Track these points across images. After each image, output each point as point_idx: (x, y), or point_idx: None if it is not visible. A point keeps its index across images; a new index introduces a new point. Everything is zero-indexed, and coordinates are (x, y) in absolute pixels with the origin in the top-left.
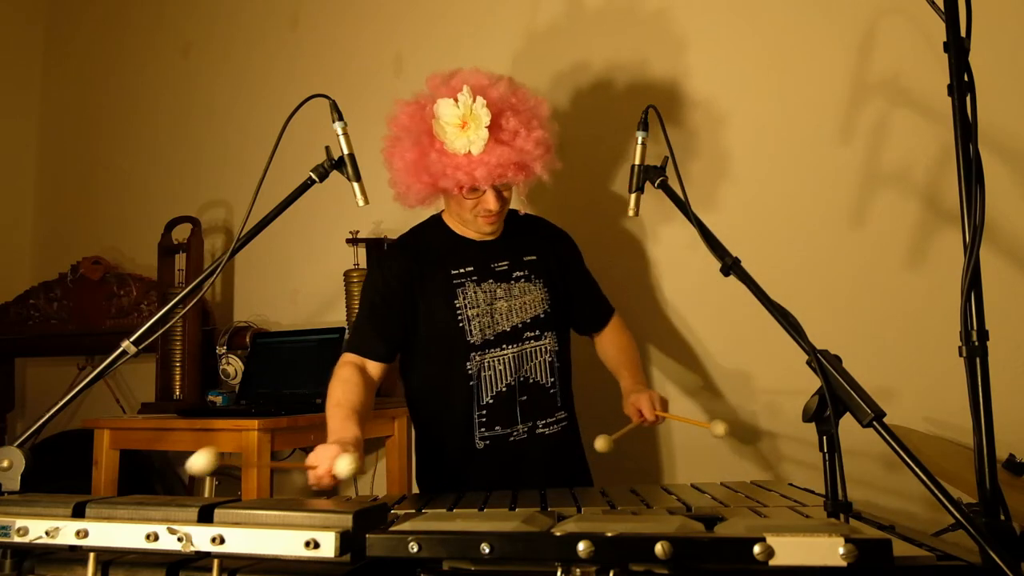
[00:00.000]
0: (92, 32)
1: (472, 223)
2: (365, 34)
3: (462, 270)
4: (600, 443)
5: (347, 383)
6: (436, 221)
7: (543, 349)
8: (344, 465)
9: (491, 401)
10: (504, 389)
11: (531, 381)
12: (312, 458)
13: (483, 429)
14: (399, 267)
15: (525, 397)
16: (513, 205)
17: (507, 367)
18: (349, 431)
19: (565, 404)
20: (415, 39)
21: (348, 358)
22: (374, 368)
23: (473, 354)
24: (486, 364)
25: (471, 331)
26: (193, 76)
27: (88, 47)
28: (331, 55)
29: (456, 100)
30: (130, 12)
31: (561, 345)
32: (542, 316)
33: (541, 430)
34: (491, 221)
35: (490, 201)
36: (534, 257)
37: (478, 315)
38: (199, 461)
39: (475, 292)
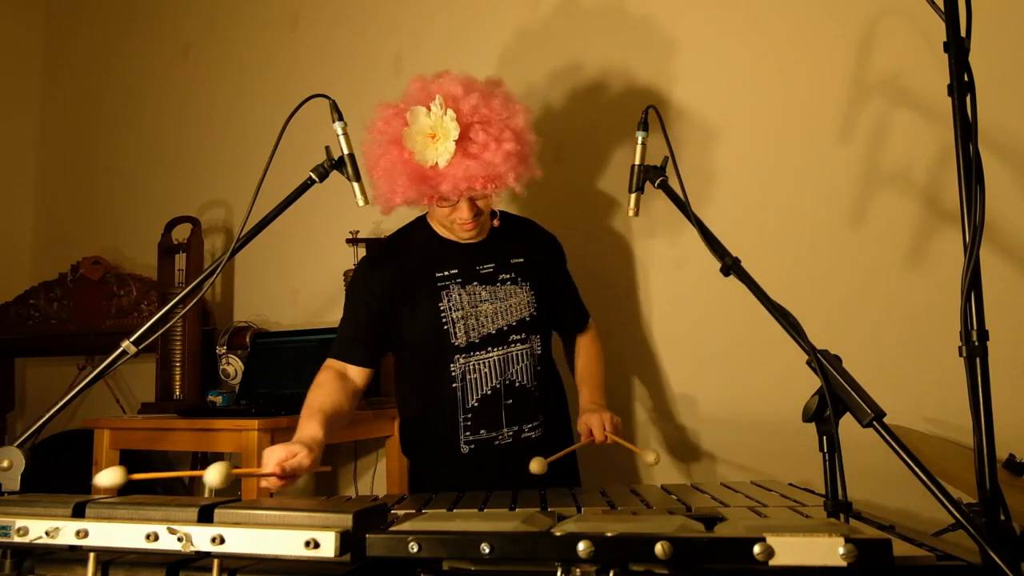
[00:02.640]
0: (92, 32)
1: (451, 229)
2: (365, 34)
3: (446, 272)
4: (535, 465)
5: (320, 387)
6: (422, 223)
7: (528, 352)
8: (212, 473)
9: (476, 404)
10: (489, 392)
11: (516, 385)
12: (264, 459)
13: (468, 433)
14: (383, 276)
15: (510, 400)
16: (500, 206)
17: (492, 370)
18: (308, 430)
19: (545, 407)
20: (415, 39)
21: (329, 363)
22: (356, 373)
23: (457, 356)
24: (471, 367)
25: (455, 333)
26: (193, 76)
27: (88, 47)
28: (331, 55)
29: (429, 110)
30: (130, 12)
31: (544, 348)
32: (528, 319)
33: (527, 434)
34: (467, 228)
35: (463, 211)
36: (521, 259)
37: (463, 317)
38: (213, 476)
39: (459, 295)
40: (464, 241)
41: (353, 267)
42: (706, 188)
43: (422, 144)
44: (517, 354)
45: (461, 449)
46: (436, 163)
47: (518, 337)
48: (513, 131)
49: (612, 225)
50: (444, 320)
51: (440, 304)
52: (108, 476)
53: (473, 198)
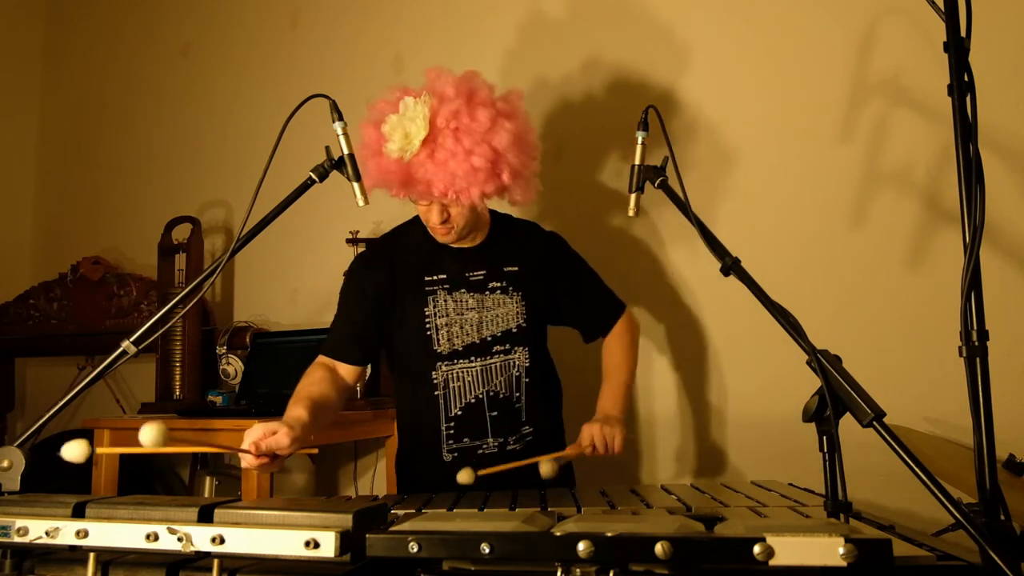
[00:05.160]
0: (92, 32)
1: (429, 229)
2: (365, 34)
3: (435, 277)
4: (545, 468)
5: (309, 377)
6: (417, 222)
7: (512, 363)
8: (145, 432)
9: (459, 413)
10: (473, 401)
11: (500, 396)
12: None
13: (451, 441)
14: (375, 275)
15: (495, 413)
16: (506, 209)
17: (475, 379)
18: (291, 412)
19: (531, 419)
20: (415, 39)
21: (320, 359)
22: (346, 371)
23: (439, 364)
24: (454, 375)
25: (438, 340)
26: (193, 76)
27: (88, 47)
28: (331, 55)
29: (417, 100)
30: (130, 12)
31: (534, 360)
32: (514, 330)
33: (512, 447)
34: (438, 233)
35: (431, 215)
36: (516, 268)
37: (447, 324)
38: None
39: (445, 301)
40: (443, 242)
41: None
42: (706, 188)
43: (395, 135)
44: (499, 365)
45: (444, 456)
46: (401, 156)
47: (501, 348)
48: (491, 147)
49: (611, 222)
50: (428, 326)
51: (426, 309)
52: (72, 450)
53: (444, 204)
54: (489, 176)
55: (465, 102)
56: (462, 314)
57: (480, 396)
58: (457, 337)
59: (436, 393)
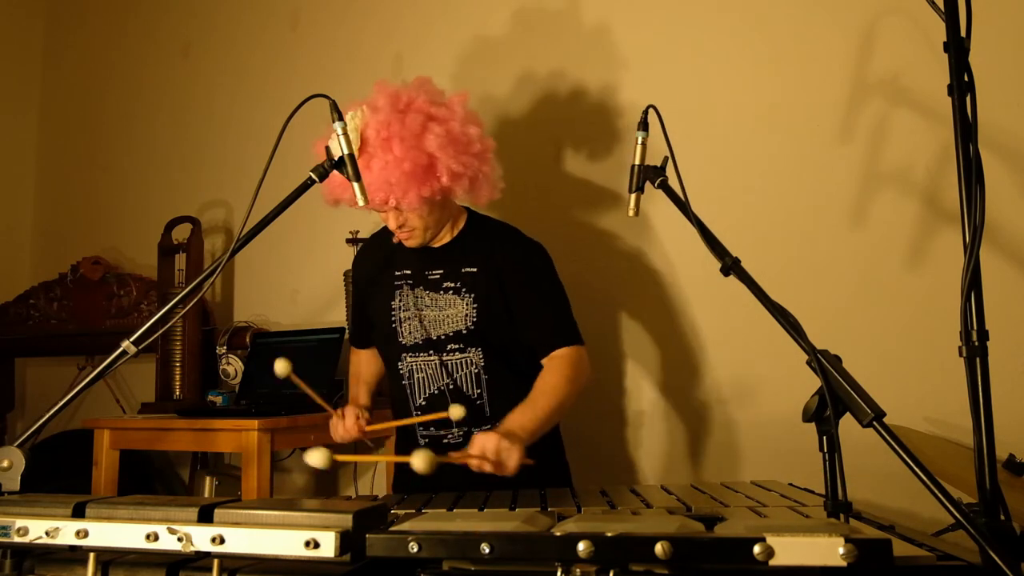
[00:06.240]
0: (92, 31)
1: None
2: (365, 34)
3: (400, 272)
4: (455, 411)
5: (358, 364)
6: None
7: (469, 361)
8: (315, 457)
9: (424, 403)
10: (436, 392)
11: (463, 392)
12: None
13: (421, 428)
14: (361, 266)
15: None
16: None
17: (436, 372)
18: (362, 399)
19: (496, 415)
20: (415, 39)
21: (354, 350)
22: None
23: (404, 355)
24: (417, 366)
25: (403, 333)
26: (193, 76)
27: (88, 46)
28: (331, 55)
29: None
30: (130, 12)
31: (493, 360)
32: (464, 332)
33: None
34: (399, 236)
35: (388, 221)
36: (474, 270)
37: (408, 318)
38: (316, 458)
39: (408, 296)
40: (409, 247)
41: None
42: (706, 188)
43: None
44: (457, 362)
45: (419, 441)
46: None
47: (455, 347)
48: (422, 151)
49: (606, 224)
50: (394, 318)
51: (393, 303)
52: (316, 457)
53: (397, 209)
54: (425, 179)
55: (392, 112)
56: (421, 310)
57: (443, 388)
58: (417, 331)
59: (404, 383)
